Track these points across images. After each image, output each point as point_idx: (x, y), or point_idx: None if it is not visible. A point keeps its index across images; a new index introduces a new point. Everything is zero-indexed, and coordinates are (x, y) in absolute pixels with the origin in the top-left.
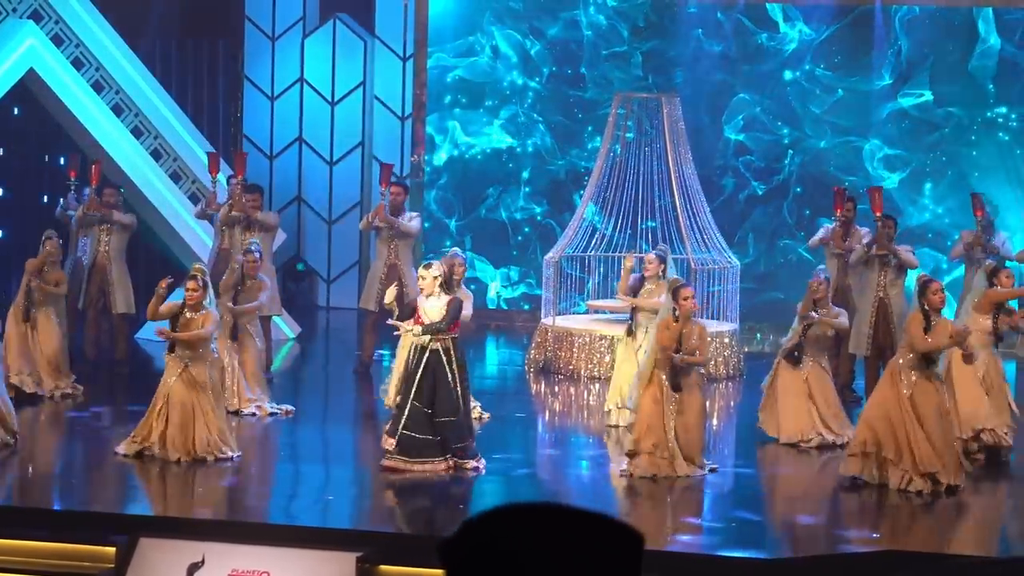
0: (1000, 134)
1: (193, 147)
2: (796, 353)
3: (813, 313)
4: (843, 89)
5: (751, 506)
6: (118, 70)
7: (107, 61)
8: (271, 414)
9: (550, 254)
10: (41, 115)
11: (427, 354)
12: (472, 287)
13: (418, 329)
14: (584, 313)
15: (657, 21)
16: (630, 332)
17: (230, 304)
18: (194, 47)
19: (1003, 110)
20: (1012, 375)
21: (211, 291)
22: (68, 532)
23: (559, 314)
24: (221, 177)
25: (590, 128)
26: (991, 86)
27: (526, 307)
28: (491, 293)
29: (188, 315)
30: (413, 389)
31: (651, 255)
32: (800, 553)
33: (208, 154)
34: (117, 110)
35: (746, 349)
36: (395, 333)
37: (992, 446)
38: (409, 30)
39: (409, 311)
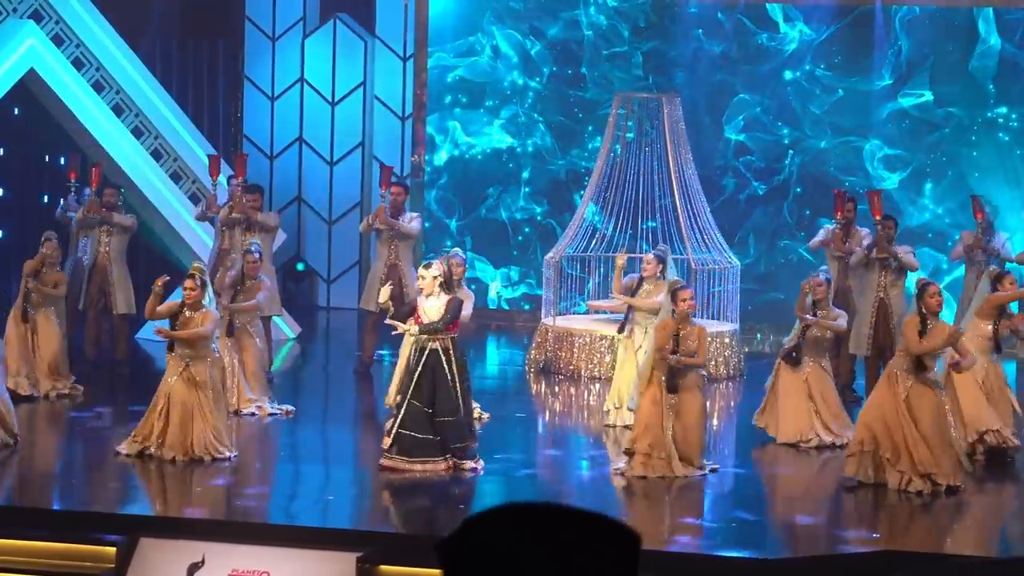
0: (1000, 134)
1: (193, 147)
2: (795, 354)
3: (807, 316)
4: (843, 89)
5: (750, 506)
6: (118, 70)
7: (107, 61)
8: (271, 414)
9: (550, 254)
10: (41, 115)
11: (427, 354)
12: (472, 287)
13: (415, 328)
14: (584, 313)
15: (657, 21)
16: (622, 330)
17: (224, 302)
18: (194, 47)
19: (1003, 110)
20: (1012, 376)
21: (210, 290)
22: (68, 532)
23: (559, 314)
24: (221, 178)
25: (590, 128)
26: (991, 86)
27: (526, 307)
28: (491, 293)
29: (187, 314)
30: (412, 388)
31: (649, 255)
32: (799, 553)
33: (209, 156)
34: (117, 110)
35: (746, 349)
36: (393, 333)
37: (996, 447)
38: (409, 30)
39: (409, 310)
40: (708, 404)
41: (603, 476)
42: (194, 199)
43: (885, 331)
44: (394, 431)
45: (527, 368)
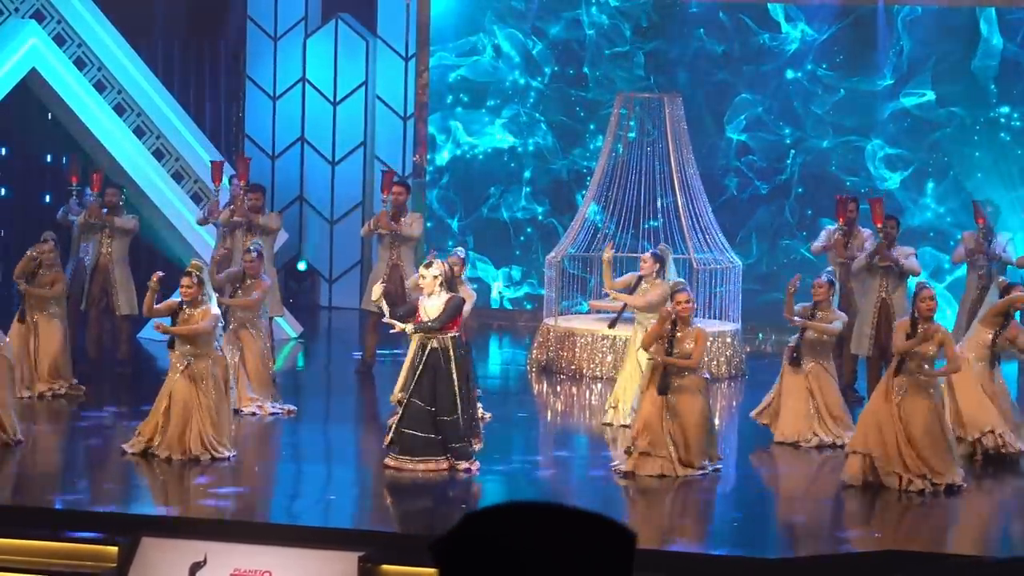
0: (1002, 134)
1: (195, 147)
2: (796, 355)
3: (795, 317)
4: (845, 89)
5: (752, 506)
6: (120, 70)
7: (109, 61)
8: (272, 414)
9: (552, 254)
10: (43, 115)
11: (428, 352)
12: (475, 286)
13: (411, 327)
14: (586, 313)
15: (659, 21)
16: (612, 325)
17: (223, 299)
18: (196, 47)
19: (1005, 110)
20: (1013, 376)
21: (209, 287)
22: (70, 532)
23: (561, 314)
24: (224, 181)
25: (592, 126)
26: (993, 86)
27: (528, 306)
28: (494, 293)
29: (187, 311)
30: (413, 386)
31: (646, 255)
32: (801, 553)
33: (212, 163)
34: (119, 110)
35: (748, 349)
36: (391, 331)
37: (995, 450)
38: (411, 30)
39: (411, 310)
40: (711, 405)
41: (605, 476)
42: (196, 199)
43: (887, 332)
44: (395, 429)
45: (529, 368)
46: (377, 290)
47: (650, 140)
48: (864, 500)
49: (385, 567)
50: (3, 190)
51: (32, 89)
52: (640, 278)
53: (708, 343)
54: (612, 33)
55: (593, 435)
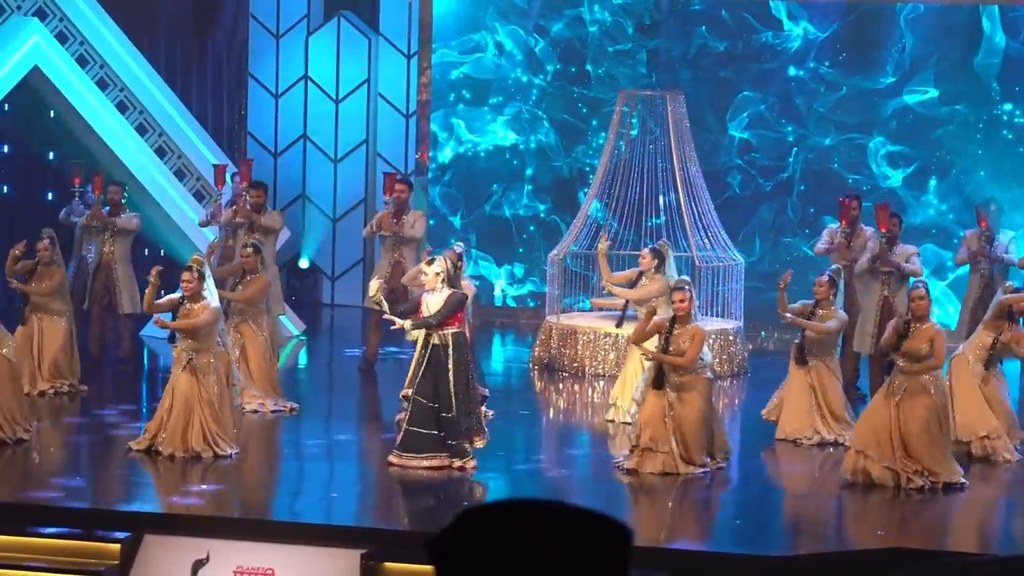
0: (1004, 132)
1: (197, 144)
2: (801, 352)
3: (787, 314)
4: (847, 86)
5: (753, 504)
6: (122, 67)
7: (112, 58)
8: (274, 411)
9: (554, 251)
10: (45, 113)
11: (430, 349)
12: (477, 283)
13: (409, 323)
14: (588, 310)
15: (662, 19)
16: (619, 325)
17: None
18: (198, 44)
19: (1008, 107)
20: (1015, 376)
21: (210, 282)
22: (73, 529)
23: (563, 311)
24: (227, 178)
25: (595, 122)
26: (996, 84)
27: (532, 304)
28: (496, 291)
29: (188, 306)
30: (417, 384)
31: (645, 251)
32: (802, 551)
33: (215, 166)
34: (121, 107)
35: (750, 347)
36: (392, 328)
37: (983, 457)
38: (413, 27)
39: (414, 306)
40: (713, 405)
41: (607, 473)
42: (198, 196)
43: None
44: (403, 428)
45: (531, 365)
46: (374, 286)
47: (652, 138)
48: (866, 498)
49: (387, 565)
50: (5, 188)
51: (34, 87)
52: (640, 274)
53: (706, 343)
54: (614, 30)
55: (595, 433)
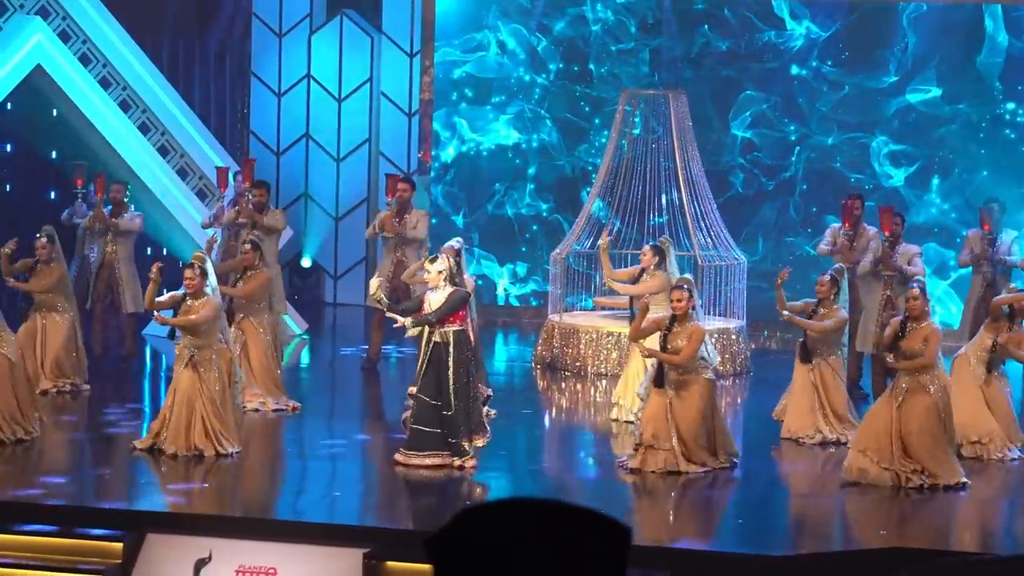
0: (1007, 131)
1: (200, 143)
2: (804, 350)
3: (784, 312)
4: (850, 85)
5: (756, 503)
6: (125, 66)
7: (114, 57)
8: (275, 410)
9: (557, 250)
10: (48, 112)
11: (432, 347)
12: (480, 283)
13: (410, 320)
14: (591, 310)
15: (664, 18)
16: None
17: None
18: (201, 43)
19: (1011, 106)
20: (1019, 377)
21: (213, 278)
22: (75, 528)
23: (566, 310)
24: (229, 177)
25: (597, 121)
26: (998, 83)
27: (534, 303)
28: (499, 290)
29: (189, 302)
30: (420, 382)
31: (646, 248)
32: (805, 550)
33: (217, 169)
34: (124, 106)
35: (753, 346)
36: (395, 326)
37: (974, 458)
38: (416, 26)
39: (417, 304)
40: (715, 404)
41: (609, 472)
42: (201, 195)
43: None
44: (408, 426)
45: (534, 364)
46: (374, 284)
47: (655, 137)
48: (867, 497)
49: (390, 564)
50: (7, 187)
51: (37, 86)
52: (642, 270)
53: (711, 343)
54: (617, 29)
55: (598, 432)
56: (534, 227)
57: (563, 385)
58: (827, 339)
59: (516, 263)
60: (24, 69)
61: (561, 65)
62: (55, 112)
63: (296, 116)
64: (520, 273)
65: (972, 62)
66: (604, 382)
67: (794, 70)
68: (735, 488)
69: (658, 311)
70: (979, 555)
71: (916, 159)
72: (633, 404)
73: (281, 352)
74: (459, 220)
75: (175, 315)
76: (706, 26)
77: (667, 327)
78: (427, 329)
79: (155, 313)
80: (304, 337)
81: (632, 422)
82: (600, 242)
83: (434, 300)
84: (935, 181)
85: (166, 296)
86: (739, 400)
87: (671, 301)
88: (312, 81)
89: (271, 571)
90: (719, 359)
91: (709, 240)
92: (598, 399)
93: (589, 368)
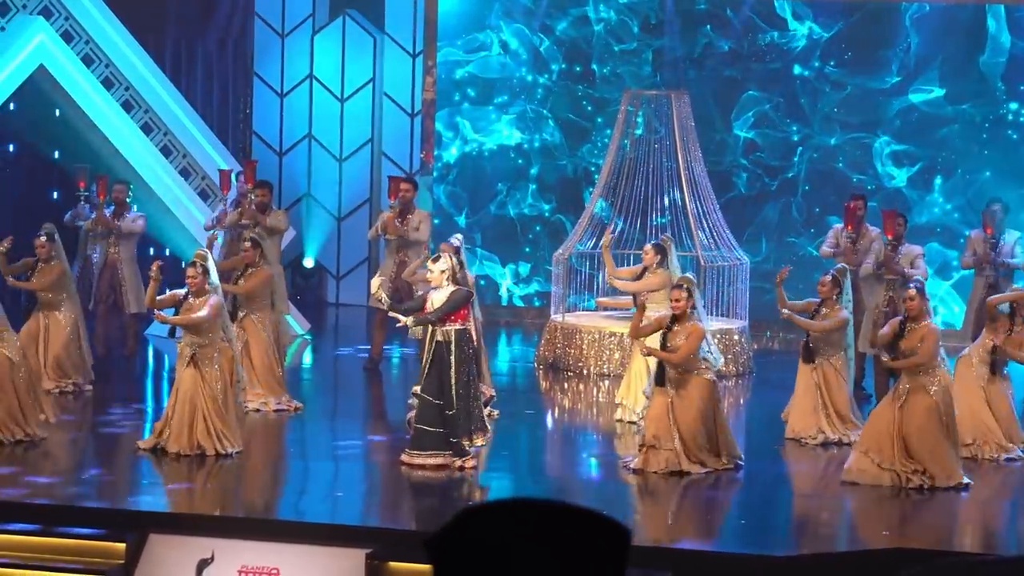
0: (1009, 131)
1: (202, 143)
2: (807, 350)
3: (784, 310)
4: (852, 86)
5: (758, 504)
6: (128, 66)
7: (117, 57)
8: (276, 410)
9: (559, 251)
10: (51, 112)
11: (434, 346)
12: (482, 283)
13: (411, 320)
14: (593, 310)
15: (667, 18)
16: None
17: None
18: (204, 43)
19: (1014, 107)
20: (1021, 378)
21: (214, 277)
22: (78, 528)
23: (568, 311)
24: (231, 178)
25: (600, 119)
26: (1001, 83)
27: (537, 304)
28: (502, 290)
29: (191, 301)
30: (424, 381)
31: (648, 246)
32: (807, 550)
33: (220, 172)
34: (127, 106)
35: (755, 347)
36: (397, 325)
37: (969, 458)
38: (419, 26)
39: (420, 304)
40: (716, 405)
41: (611, 473)
42: (203, 195)
43: None
44: (413, 426)
45: (536, 365)
46: (375, 283)
47: (657, 137)
48: (870, 498)
49: (392, 564)
50: (10, 187)
51: (40, 86)
52: (644, 269)
53: (708, 343)
54: (620, 29)
55: (600, 432)
56: (537, 227)
57: (565, 385)
58: (829, 339)
59: (519, 263)
60: (27, 69)
61: (564, 65)
62: (58, 112)
63: (299, 116)
64: (523, 273)
65: (975, 62)
66: (607, 382)
67: (797, 70)
68: (737, 488)
69: (659, 309)
70: (980, 556)
71: (918, 159)
72: (636, 404)
73: (284, 352)
74: (462, 220)
75: (176, 313)
76: (708, 26)
77: (668, 326)
78: (430, 328)
79: (155, 312)
80: (306, 337)
81: (635, 422)
82: (603, 241)
83: (436, 299)
84: (938, 181)
85: (167, 295)
86: (741, 401)
87: (670, 300)
88: (315, 81)
89: (273, 571)
90: (723, 360)
91: (712, 241)
92: (601, 399)
93: (592, 368)
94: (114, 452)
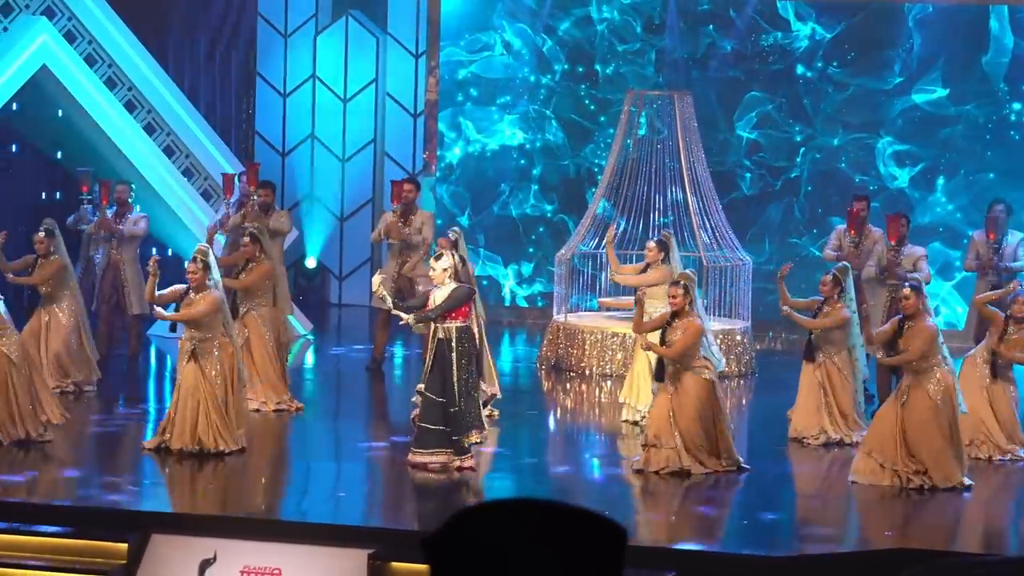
0: (1012, 132)
1: (205, 144)
2: (809, 349)
3: (784, 307)
4: (855, 86)
5: (761, 503)
6: (131, 67)
7: (120, 58)
8: (276, 409)
9: (562, 251)
10: (54, 112)
11: (436, 343)
12: (485, 283)
13: (412, 317)
14: (596, 310)
15: (670, 18)
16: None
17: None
18: (206, 44)
19: (1017, 107)
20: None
21: (215, 272)
22: (81, 528)
23: (571, 311)
24: (234, 179)
25: (603, 120)
26: (1004, 84)
27: (540, 304)
28: (505, 291)
29: (191, 296)
30: (426, 379)
31: (650, 243)
32: (809, 551)
33: (223, 175)
34: (130, 107)
35: (758, 347)
36: (400, 323)
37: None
38: (421, 27)
39: (422, 301)
40: (716, 406)
41: (613, 473)
42: (206, 195)
43: None
44: (416, 424)
45: (539, 365)
46: (376, 280)
47: (660, 138)
48: (872, 498)
49: (395, 564)
50: (13, 186)
51: (43, 86)
52: (647, 265)
53: (709, 342)
54: (623, 30)
55: (602, 433)
56: (539, 228)
57: (568, 386)
58: (831, 337)
59: (521, 264)
60: (30, 69)
61: (566, 66)
62: (60, 112)
63: (301, 117)
64: (525, 273)
65: (977, 63)
66: (609, 383)
67: (799, 71)
68: (740, 489)
69: (658, 304)
70: (982, 556)
71: (921, 160)
72: (639, 402)
73: (287, 351)
74: (464, 220)
75: (177, 309)
76: (711, 26)
77: (668, 321)
78: (432, 326)
79: (155, 308)
80: (309, 337)
81: (637, 423)
82: (606, 236)
83: (438, 297)
84: (940, 181)
85: (168, 290)
86: (744, 401)
87: (668, 297)
88: (317, 82)
89: (276, 571)
90: (724, 360)
91: (714, 241)
92: (603, 400)
93: (594, 369)
94: (116, 452)
